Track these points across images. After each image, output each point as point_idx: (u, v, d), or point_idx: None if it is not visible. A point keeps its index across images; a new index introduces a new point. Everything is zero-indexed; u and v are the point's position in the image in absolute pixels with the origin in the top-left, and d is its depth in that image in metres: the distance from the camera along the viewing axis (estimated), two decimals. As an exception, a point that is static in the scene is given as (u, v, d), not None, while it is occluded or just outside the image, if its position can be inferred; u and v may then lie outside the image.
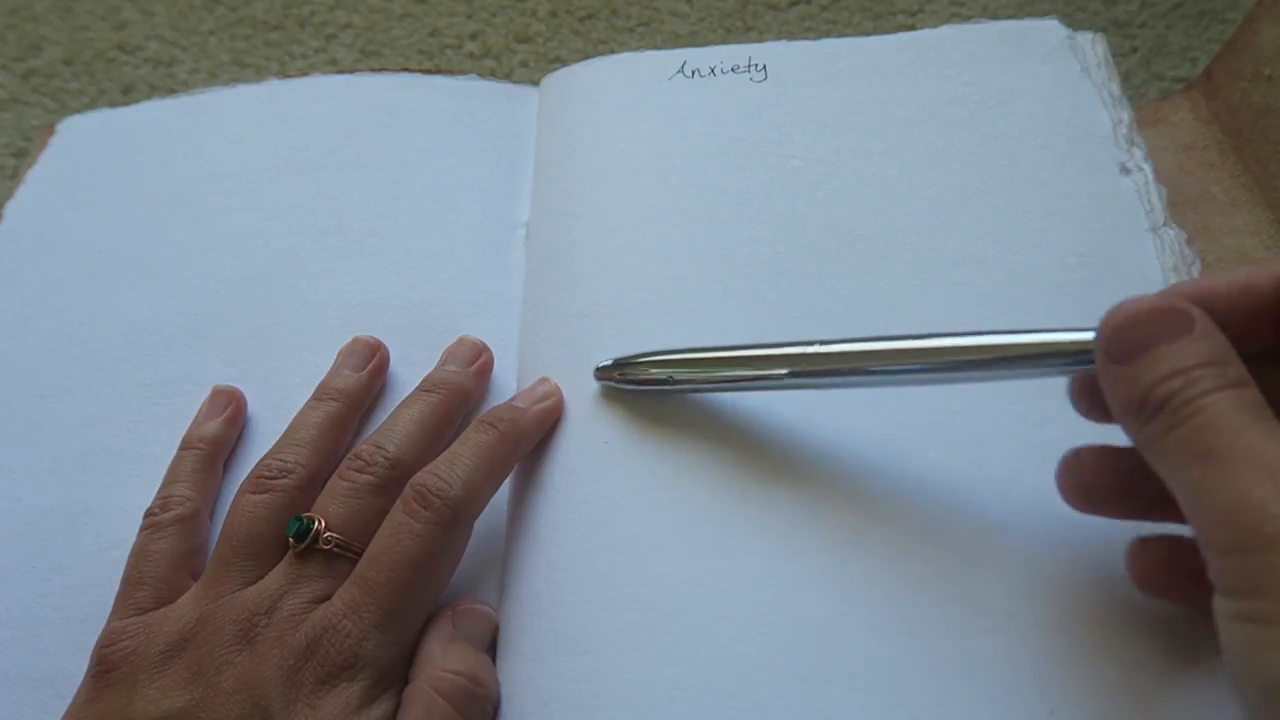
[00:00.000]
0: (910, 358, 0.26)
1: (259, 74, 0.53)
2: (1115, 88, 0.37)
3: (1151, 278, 0.32)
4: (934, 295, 0.33)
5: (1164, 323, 0.21)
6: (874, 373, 0.27)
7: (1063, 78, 0.38)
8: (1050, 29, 0.39)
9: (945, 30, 0.40)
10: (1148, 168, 0.35)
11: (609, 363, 0.31)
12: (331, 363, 0.34)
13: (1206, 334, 0.20)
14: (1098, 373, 0.22)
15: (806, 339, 0.28)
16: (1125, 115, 0.37)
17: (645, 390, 0.31)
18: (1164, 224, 0.33)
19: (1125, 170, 0.35)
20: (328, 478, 0.29)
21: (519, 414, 0.30)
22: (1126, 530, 0.27)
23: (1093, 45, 0.39)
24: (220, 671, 0.25)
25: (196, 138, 0.42)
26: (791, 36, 0.51)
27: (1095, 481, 0.25)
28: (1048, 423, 0.27)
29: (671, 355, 0.30)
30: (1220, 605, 0.19)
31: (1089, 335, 0.23)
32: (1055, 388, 0.27)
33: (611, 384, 0.31)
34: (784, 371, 0.28)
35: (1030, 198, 0.35)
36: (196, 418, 0.33)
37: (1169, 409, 0.20)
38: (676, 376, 0.30)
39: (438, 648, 0.27)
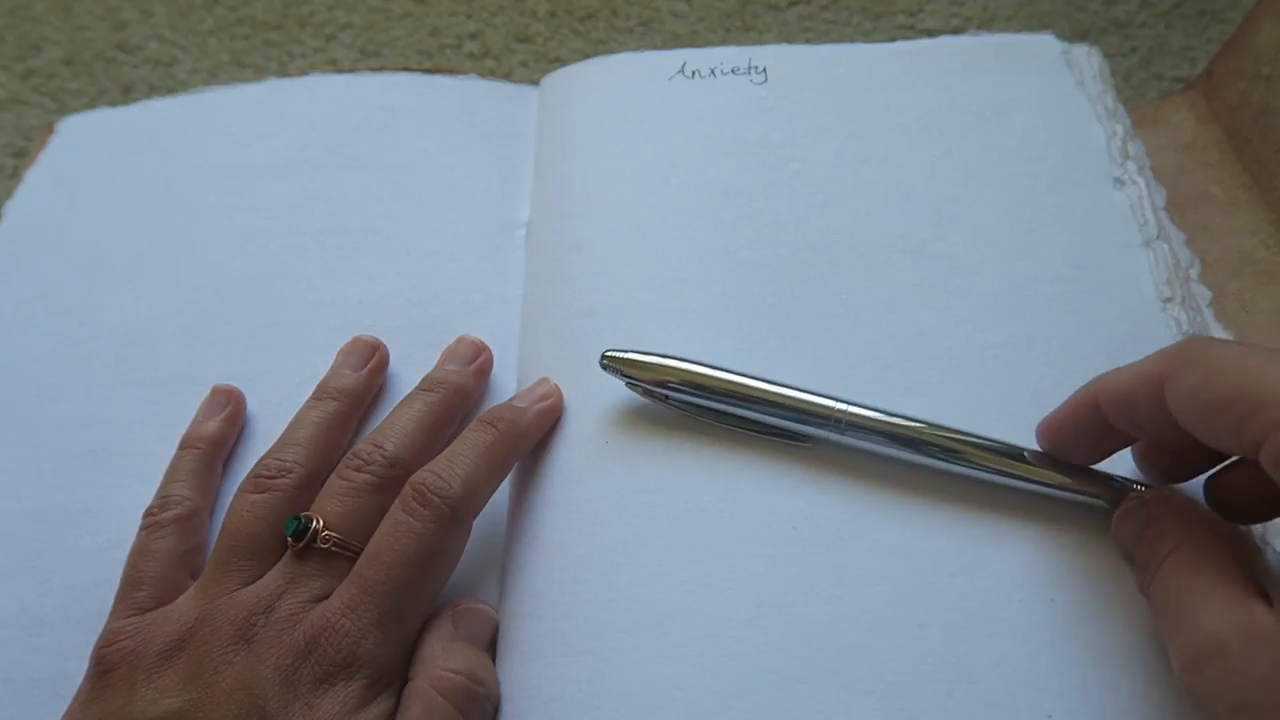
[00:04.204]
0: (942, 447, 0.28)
1: (259, 74, 0.53)
2: (1110, 100, 0.38)
3: (1144, 291, 0.33)
4: (931, 302, 0.33)
5: (1131, 523, 0.26)
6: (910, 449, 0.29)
7: (1058, 91, 0.38)
8: (1046, 43, 0.39)
9: (943, 40, 0.40)
10: (1142, 180, 0.35)
11: (621, 354, 0.30)
12: (331, 363, 0.34)
13: (1158, 514, 0.25)
14: None
15: (810, 388, 0.29)
16: (1120, 128, 0.37)
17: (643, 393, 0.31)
18: (1157, 237, 0.34)
19: (1119, 183, 0.35)
20: (327, 477, 0.29)
21: (519, 414, 0.30)
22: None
23: (1088, 58, 0.39)
24: (218, 671, 0.25)
25: (196, 137, 0.42)
26: (791, 37, 0.51)
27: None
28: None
29: (686, 369, 0.30)
30: None
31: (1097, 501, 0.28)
32: (1059, 392, 0.28)
33: (614, 375, 0.30)
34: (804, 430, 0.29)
35: (1027, 209, 0.35)
36: (196, 417, 0.33)
37: (1147, 598, 0.25)
38: (680, 400, 0.30)
39: (438, 647, 0.27)
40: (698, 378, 0.30)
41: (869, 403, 0.29)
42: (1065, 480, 0.28)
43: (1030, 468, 0.28)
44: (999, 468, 0.28)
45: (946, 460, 0.28)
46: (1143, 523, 0.25)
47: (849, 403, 0.29)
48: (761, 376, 0.30)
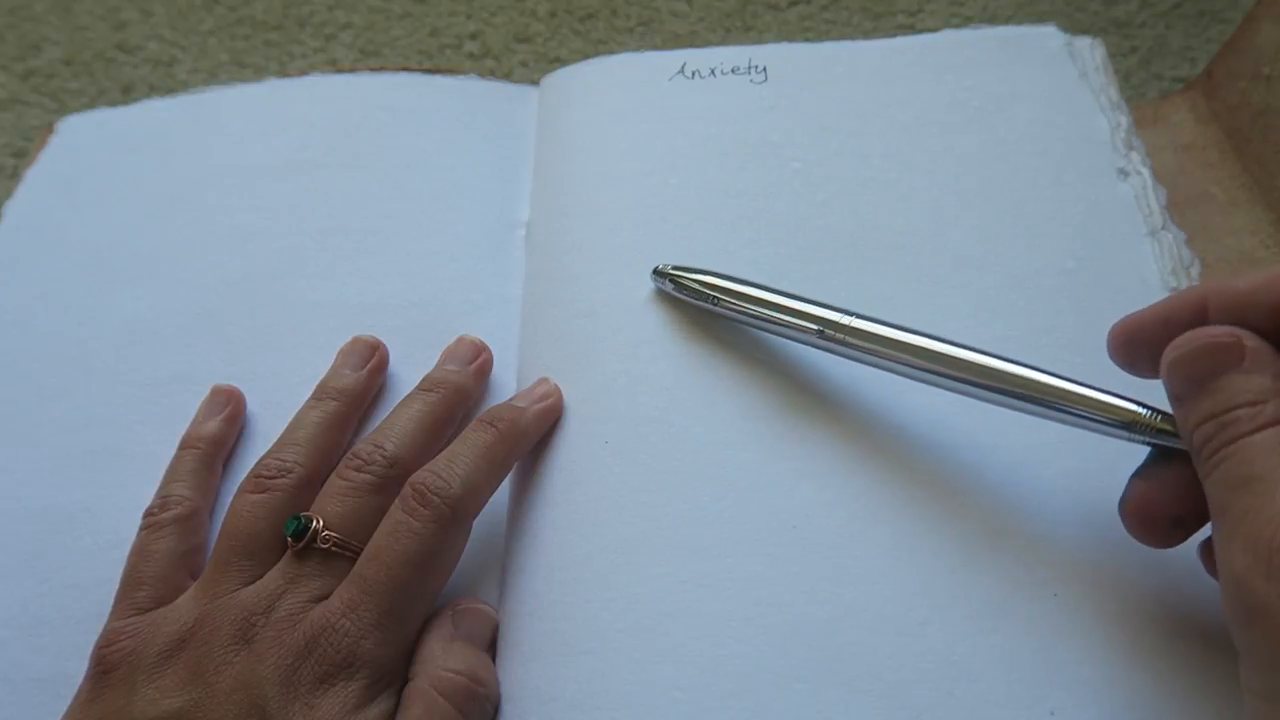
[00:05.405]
0: (956, 368, 0.27)
1: (259, 74, 0.53)
2: (1113, 92, 0.38)
3: (1149, 282, 0.32)
4: (933, 297, 0.33)
5: (1213, 358, 0.21)
6: (921, 368, 0.28)
7: (1061, 83, 0.38)
8: (1049, 34, 0.39)
9: (944, 34, 0.40)
10: (1146, 172, 0.35)
11: (669, 267, 0.33)
12: (331, 363, 0.34)
13: (1255, 367, 0.21)
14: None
15: (852, 308, 0.30)
16: (1123, 119, 0.37)
17: (690, 302, 0.33)
18: (1162, 228, 0.34)
19: (1123, 174, 0.35)
20: (327, 477, 0.29)
21: (519, 413, 0.30)
22: (1123, 531, 0.27)
23: (1091, 50, 0.39)
24: (218, 671, 0.25)
25: (196, 137, 0.42)
26: (791, 37, 0.51)
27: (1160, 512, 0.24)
28: (1046, 425, 0.27)
29: (722, 282, 0.32)
30: (1242, 677, 0.19)
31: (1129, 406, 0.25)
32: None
33: (662, 287, 0.33)
34: (815, 329, 0.29)
35: (1029, 202, 0.35)
36: (196, 417, 0.33)
37: (1207, 453, 0.21)
38: (721, 300, 0.32)
39: (438, 647, 0.27)
40: (735, 293, 0.31)
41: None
42: (1084, 392, 0.25)
43: (1045, 383, 0.26)
44: (1013, 386, 0.26)
45: (958, 379, 0.27)
46: (1226, 365, 0.21)
47: (858, 315, 0.29)
48: (792, 293, 0.31)
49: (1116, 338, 0.25)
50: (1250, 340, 0.21)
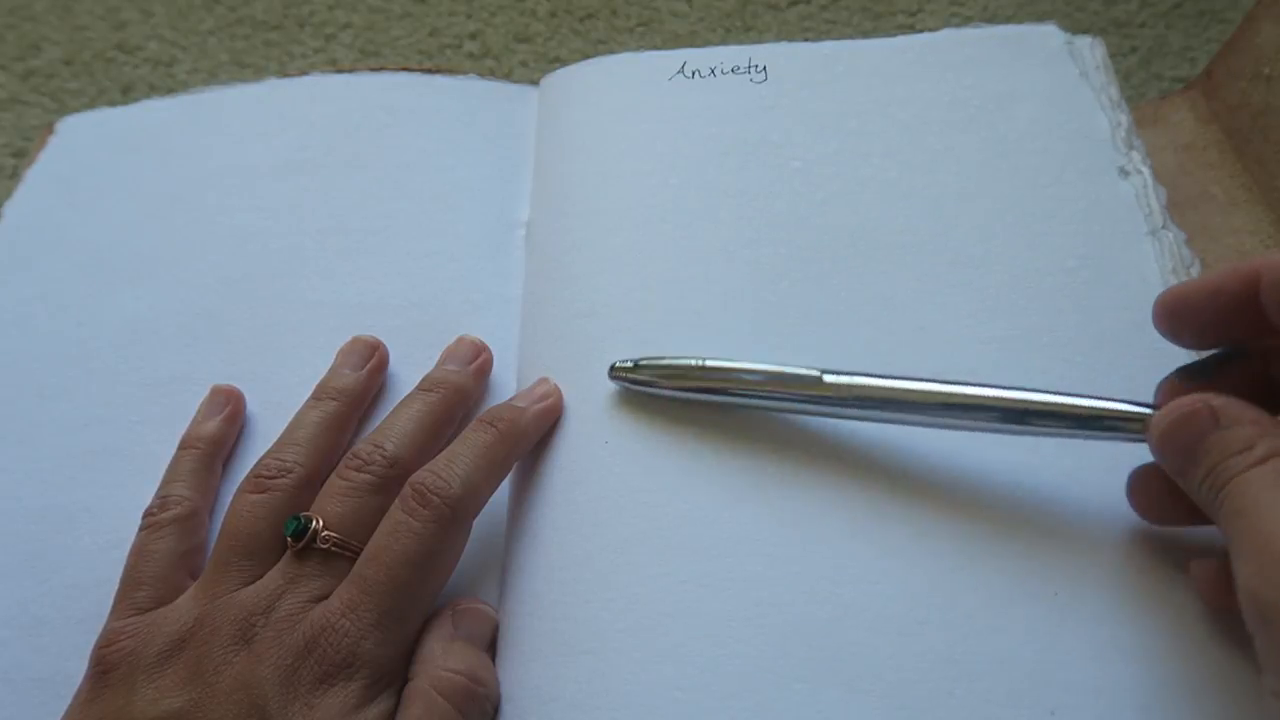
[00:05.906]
0: (956, 410, 0.27)
1: (259, 74, 0.53)
2: (1114, 91, 0.38)
3: (1150, 281, 0.32)
4: (934, 296, 0.33)
5: (1189, 427, 0.23)
6: (907, 416, 0.28)
7: (1062, 82, 0.38)
8: (1049, 33, 0.39)
9: (945, 33, 0.40)
10: (1146, 171, 0.35)
11: (629, 364, 0.31)
12: (331, 363, 0.34)
13: (1231, 421, 0.22)
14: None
15: (817, 365, 0.29)
16: (1124, 119, 0.37)
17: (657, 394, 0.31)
18: (1163, 227, 0.34)
19: (1124, 173, 0.35)
20: (327, 477, 0.29)
21: (518, 413, 0.30)
22: (1124, 531, 0.27)
23: (1091, 49, 0.39)
24: (218, 671, 0.25)
25: (196, 137, 0.42)
26: (791, 37, 0.52)
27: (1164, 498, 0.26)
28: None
29: (688, 365, 0.30)
30: (1264, 682, 0.20)
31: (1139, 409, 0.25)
32: (1063, 384, 0.27)
33: (625, 384, 0.31)
34: (806, 403, 0.29)
35: (1029, 201, 0.35)
36: (195, 417, 0.33)
37: (1211, 504, 0.22)
38: (689, 393, 0.30)
39: (438, 647, 0.27)
40: (702, 381, 0.30)
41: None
42: (1087, 404, 0.25)
43: (1044, 400, 0.26)
44: (1012, 405, 0.26)
45: (964, 418, 0.27)
46: (1205, 429, 0.23)
47: (837, 372, 0.28)
48: (758, 366, 0.30)
49: (1162, 307, 0.25)
50: (1216, 400, 0.23)
